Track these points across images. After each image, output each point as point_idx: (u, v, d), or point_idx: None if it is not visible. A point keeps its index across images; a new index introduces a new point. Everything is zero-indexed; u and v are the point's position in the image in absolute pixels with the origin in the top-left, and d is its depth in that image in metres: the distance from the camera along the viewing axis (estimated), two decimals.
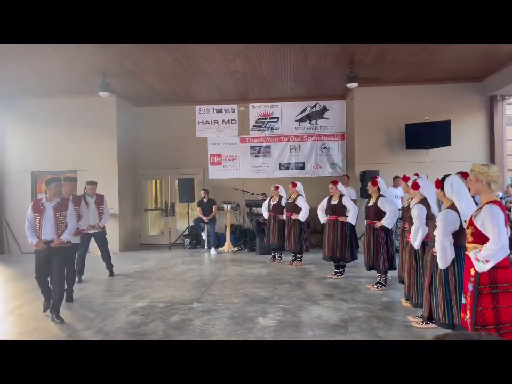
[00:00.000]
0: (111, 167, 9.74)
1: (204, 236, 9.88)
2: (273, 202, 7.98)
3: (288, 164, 10.52)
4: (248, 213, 9.69)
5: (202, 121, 10.75)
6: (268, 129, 10.55)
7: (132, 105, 10.59)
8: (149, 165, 10.87)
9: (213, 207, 9.58)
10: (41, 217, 4.48)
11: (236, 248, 9.56)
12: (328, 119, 10.38)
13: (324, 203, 6.68)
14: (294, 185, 7.64)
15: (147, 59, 7.28)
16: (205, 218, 9.42)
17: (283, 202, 7.84)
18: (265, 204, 8.24)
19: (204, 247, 9.87)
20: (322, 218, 6.64)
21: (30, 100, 9.68)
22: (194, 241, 10.15)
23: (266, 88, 9.50)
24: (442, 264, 3.34)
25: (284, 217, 7.72)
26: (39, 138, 9.77)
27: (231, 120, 10.67)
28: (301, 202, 7.48)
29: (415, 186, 4.44)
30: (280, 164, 10.53)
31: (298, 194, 7.57)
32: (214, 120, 10.70)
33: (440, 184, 3.52)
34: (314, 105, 10.39)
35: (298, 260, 7.68)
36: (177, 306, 5.05)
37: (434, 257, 3.49)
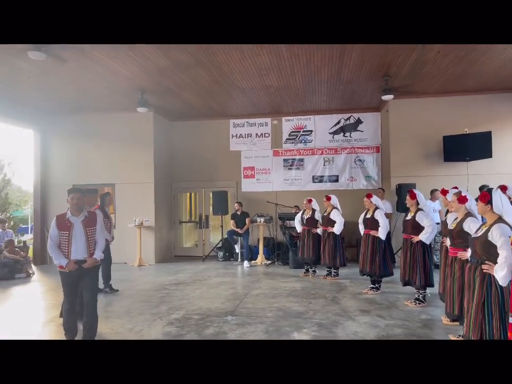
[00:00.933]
0: (147, 180, 10.01)
1: (237, 248, 9.93)
2: (306, 216, 7.91)
3: (322, 176, 10.47)
4: (281, 226, 9.68)
5: (236, 134, 10.89)
6: (301, 142, 10.56)
7: (167, 120, 10.88)
8: (184, 178, 11.09)
9: (246, 219, 9.63)
10: (70, 235, 3.92)
11: (269, 262, 9.54)
12: (362, 131, 10.29)
13: (362, 216, 6.61)
14: (328, 198, 7.57)
15: (185, 76, 7.49)
16: (239, 230, 9.47)
17: (316, 216, 7.78)
18: (297, 217, 8.19)
19: (237, 260, 9.91)
20: (362, 232, 6.55)
21: (72, 115, 10.13)
22: (227, 254, 10.22)
23: (299, 101, 9.54)
24: (505, 281, 3.11)
25: (319, 230, 7.65)
26: (80, 153, 10.19)
27: (264, 133, 10.76)
28: (335, 215, 7.39)
29: (463, 200, 4.24)
30: (313, 176, 10.49)
31: (333, 207, 7.50)
32: (248, 134, 10.82)
33: (487, 198, 3.35)
34: (348, 118, 10.33)
35: (333, 275, 7.56)
36: (211, 319, 5.07)
37: (485, 275, 3.28)
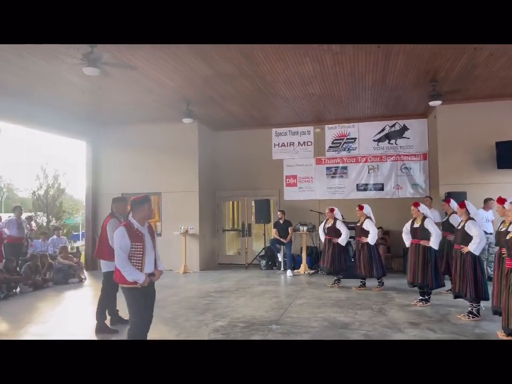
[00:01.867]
0: (192, 189, 10.24)
1: (280, 257, 9.90)
2: (328, 225, 7.77)
3: (366, 184, 10.27)
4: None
5: (278, 143, 10.93)
6: (344, 150, 10.43)
7: (211, 130, 11.10)
8: (227, 187, 11.24)
9: (289, 228, 9.60)
10: (144, 246, 3.56)
11: (313, 271, 9.44)
12: (408, 138, 10.03)
13: (408, 226, 6.40)
14: (361, 208, 7.47)
15: (228, 87, 7.64)
16: (282, 240, 9.46)
17: (338, 225, 7.62)
18: (321, 226, 8.07)
19: (280, 269, 9.88)
20: (407, 241, 6.34)
21: (121, 127, 10.57)
22: (270, 263, 10.22)
23: (343, 109, 9.45)
24: None
25: (340, 240, 7.55)
26: (128, 163, 10.59)
27: (307, 141, 10.73)
28: (369, 225, 7.27)
29: None
30: (357, 184, 10.32)
31: (366, 217, 7.37)
32: (290, 142, 10.83)
33: None
34: (394, 125, 10.11)
35: (378, 286, 7.40)
36: (256, 327, 5.08)
37: None
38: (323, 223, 8.06)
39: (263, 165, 10.93)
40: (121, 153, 10.69)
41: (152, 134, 10.42)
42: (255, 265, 10.43)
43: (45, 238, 9.90)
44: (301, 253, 9.76)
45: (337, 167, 10.48)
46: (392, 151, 10.13)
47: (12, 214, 9.28)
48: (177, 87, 7.60)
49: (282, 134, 10.89)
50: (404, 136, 10.08)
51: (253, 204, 10.86)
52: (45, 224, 17.65)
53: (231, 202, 11.90)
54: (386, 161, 10.18)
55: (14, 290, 7.44)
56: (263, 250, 10.48)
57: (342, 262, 7.60)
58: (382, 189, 10.15)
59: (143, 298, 3.57)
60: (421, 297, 6.13)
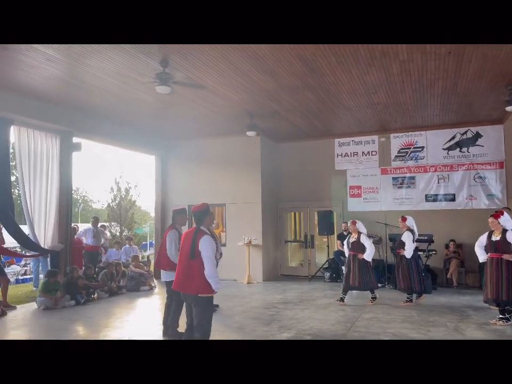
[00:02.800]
0: (255, 200, 10.39)
1: (344, 269, 9.68)
2: (352, 239, 7.38)
3: (436, 195, 9.80)
4: (392, 248, 9.24)
5: (342, 153, 10.80)
6: (411, 159, 10.06)
7: (273, 142, 11.23)
8: (289, 198, 11.26)
9: None
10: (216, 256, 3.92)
11: (380, 285, 9.12)
12: (482, 146, 9.45)
13: (483, 239, 6.00)
14: (404, 219, 7.22)
15: (291, 99, 7.71)
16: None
17: (362, 239, 7.22)
18: (345, 241, 7.67)
19: None
20: (482, 256, 5.94)
21: (188, 141, 11.02)
22: (334, 275, 10.04)
23: (409, 117, 9.15)
24: None
25: (365, 256, 7.16)
26: (194, 175, 10.99)
27: (371, 151, 10.49)
28: (406, 238, 7.04)
29: None
30: (426, 195, 9.88)
31: (407, 229, 7.13)
32: (354, 152, 10.65)
33: None
34: (465, 132, 9.59)
35: (406, 300, 7.16)
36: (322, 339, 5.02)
37: None
38: (347, 238, 7.66)
39: (326, 176, 10.83)
40: (188, 166, 11.12)
41: (217, 147, 10.75)
42: (319, 277, 10.30)
43: (118, 247, 10.51)
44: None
45: (404, 177, 10.11)
46: (464, 159, 9.60)
47: (89, 224, 9.99)
48: (241, 101, 7.81)
49: (346, 144, 10.75)
50: (477, 143, 9.52)
51: (316, 215, 10.77)
52: (118, 234, 18.79)
53: (293, 213, 11.89)
54: (458, 170, 9.66)
55: (92, 296, 7.96)
56: (327, 262, 10.34)
57: (369, 278, 7.18)
58: (453, 200, 9.63)
59: None
60: (501, 316, 5.70)
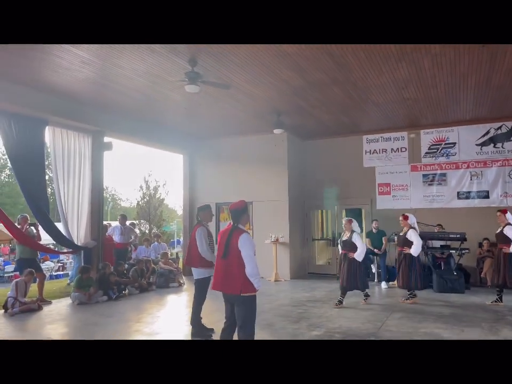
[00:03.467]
0: (282, 198, 10.37)
1: (374, 268, 9.57)
2: (344, 238, 7.10)
3: (469, 192, 9.53)
4: (422, 246, 9.02)
5: (370, 150, 10.64)
6: (442, 155, 9.81)
7: (300, 139, 11.18)
8: (317, 196, 11.18)
9: (383, 238, 9.26)
10: None
11: None
12: None
13: None
14: (406, 217, 7.21)
15: (319, 95, 7.65)
16: (377, 251, 9.15)
17: (354, 238, 6.86)
18: (339, 240, 7.40)
19: (373, 280, 9.54)
20: None
21: (216, 140, 11.11)
22: (368, 275, 9.89)
23: (440, 112, 8.92)
24: None
25: (354, 255, 6.88)
26: (221, 173, 11.07)
27: (401, 148, 10.29)
28: (413, 235, 6.98)
29: None
30: (458, 192, 9.62)
31: (410, 227, 7.10)
32: (382, 149, 10.48)
33: None
34: (500, 127, 9.28)
35: (408, 297, 7.16)
36: (354, 339, 4.97)
37: None
38: (340, 236, 7.37)
39: (354, 173, 10.69)
40: (215, 165, 11.22)
41: (244, 145, 10.79)
42: None
43: (148, 244, 10.71)
44: (396, 264, 9.31)
45: (435, 174, 9.87)
46: (498, 155, 9.30)
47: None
48: (269, 99, 7.81)
49: (374, 140, 10.58)
50: None
51: (344, 213, 10.66)
52: (147, 231, 19.16)
53: (320, 211, 11.81)
54: (492, 166, 9.36)
55: (124, 292, 8.14)
56: None
57: (357, 277, 6.90)
58: (487, 197, 9.34)
59: None
60: None
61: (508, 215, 6.80)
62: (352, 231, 7.01)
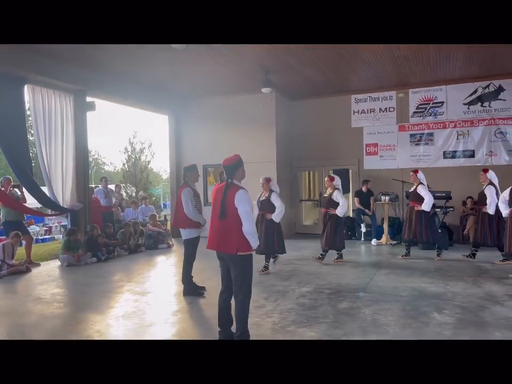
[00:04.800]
0: (270, 159, 10.31)
1: (363, 227, 9.70)
2: (262, 198, 6.68)
3: (455, 151, 9.61)
4: (408, 205, 9.18)
5: (358, 110, 10.55)
6: (430, 115, 9.80)
7: (288, 99, 11.00)
8: (304, 157, 11.15)
9: (370, 198, 9.37)
10: None
11: (395, 242, 9.16)
12: (504, 100, 9.14)
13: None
14: (332, 179, 7.05)
15: (308, 52, 7.45)
16: (368, 212, 9.27)
17: (272, 198, 6.50)
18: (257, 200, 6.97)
19: (360, 239, 9.73)
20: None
21: (201, 99, 10.85)
22: (349, 233, 10.08)
23: (430, 71, 8.82)
24: None
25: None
26: (208, 134, 10.88)
27: (389, 107, 10.23)
28: (339, 197, 6.84)
29: None
30: (444, 152, 9.69)
31: (335, 189, 6.95)
32: (371, 109, 10.40)
33: None
34: (488, 86, 9.25)
35: (337, 257, 7.20)
36: (343, 294, 5.10)
37: None
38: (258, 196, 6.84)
39: (342, 134, 10.64)
40: (202, 125, 11.01)
41: (231, 105, 10.57)
42: None
43: (135, 206, 10.62)
44: (383, 223, 9.49)
45: (422, 133, 9.89)
46: (485, 114, 9.32)
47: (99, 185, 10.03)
48: (257, 56, 7.57)
49: (362, 100, 10.48)
50: (499, 97, 9.21)
51: (331, 173, 10.66)
52: (134, 194, 18.99)
53: (307, 172, 11.81)
54: (478, 125, 9.40)
55: (113, 253, 8.13)
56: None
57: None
58: (472, 156, 9.45)
59: None
60: None
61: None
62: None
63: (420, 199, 7.00)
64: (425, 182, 7.24)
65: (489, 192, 6.64)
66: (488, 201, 6.62)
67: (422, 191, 7.00)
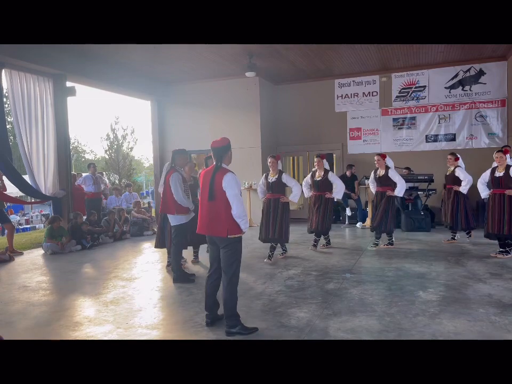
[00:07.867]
0: (254, 145, 10.29)
1: (348, 211, 9.81)
2: (272, 179, 6.23)
3: (436, 135, 9.77)
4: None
5: (342, 95, 10.58)
6: (412, 99, 9.91)
7: (272, 83, 10.94)
8: (289, 142, 11.16)
9: (355, 182, 9.46)
10: None
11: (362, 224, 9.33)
12: (485, 83, 9.29)
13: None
14: (323, 156, 6.84)
15: None
16: (353, 196, 9.37)
17: (284, 179, 6.15)
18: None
19: (344, 223, 9.85)
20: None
21: (184, 84, 10.72)
22: (334, 216, 10.15)
23: (413, 55, 8.89)
24: None
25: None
26: (192, 120, 10.77)
27: (372, 92, 10.29)
28: (334, 179, 6.69)
29: None
30: (426, 136, 9.84)
31: (328, 171, 6.74)
32: (354, 94, 10.44)
33: None
34: (469, 69, 9.38)
35: (326, 243, 7.11)
36: (330, 275, 5.18)
37: None
38: (263, 178, 6.52)
39: (326, 118, 10.68)
40: (185, 111, 10.88)
41: (215, 90, 10.47)
42: None
43: (118, 193, 10.51)
44: (367, 206, 9.62)
45: (405, 117, 10.00)
46: (466, 98, 9.47)
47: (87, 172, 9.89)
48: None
49: (346, 84, 10.51)
50: (479, 81, 9.36)
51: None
52: (117, 181, 18.74)
53: (292, 157, 11.84)
54: (459, 109, 9.55)
55: (97, 241, 8.05)
56: None
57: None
58: (453, 139, 9.62)
59: None
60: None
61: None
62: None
63: (392, 184, 6.64)
64: (392, 166, 6.82)
65: (464, 173, 6.78)
66: (464, 182, 6.71)
67: (395, 176, 6.61)
